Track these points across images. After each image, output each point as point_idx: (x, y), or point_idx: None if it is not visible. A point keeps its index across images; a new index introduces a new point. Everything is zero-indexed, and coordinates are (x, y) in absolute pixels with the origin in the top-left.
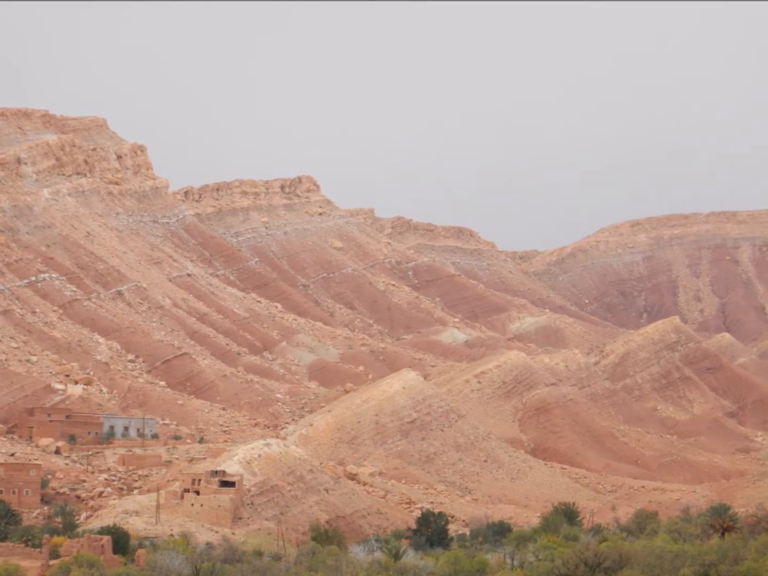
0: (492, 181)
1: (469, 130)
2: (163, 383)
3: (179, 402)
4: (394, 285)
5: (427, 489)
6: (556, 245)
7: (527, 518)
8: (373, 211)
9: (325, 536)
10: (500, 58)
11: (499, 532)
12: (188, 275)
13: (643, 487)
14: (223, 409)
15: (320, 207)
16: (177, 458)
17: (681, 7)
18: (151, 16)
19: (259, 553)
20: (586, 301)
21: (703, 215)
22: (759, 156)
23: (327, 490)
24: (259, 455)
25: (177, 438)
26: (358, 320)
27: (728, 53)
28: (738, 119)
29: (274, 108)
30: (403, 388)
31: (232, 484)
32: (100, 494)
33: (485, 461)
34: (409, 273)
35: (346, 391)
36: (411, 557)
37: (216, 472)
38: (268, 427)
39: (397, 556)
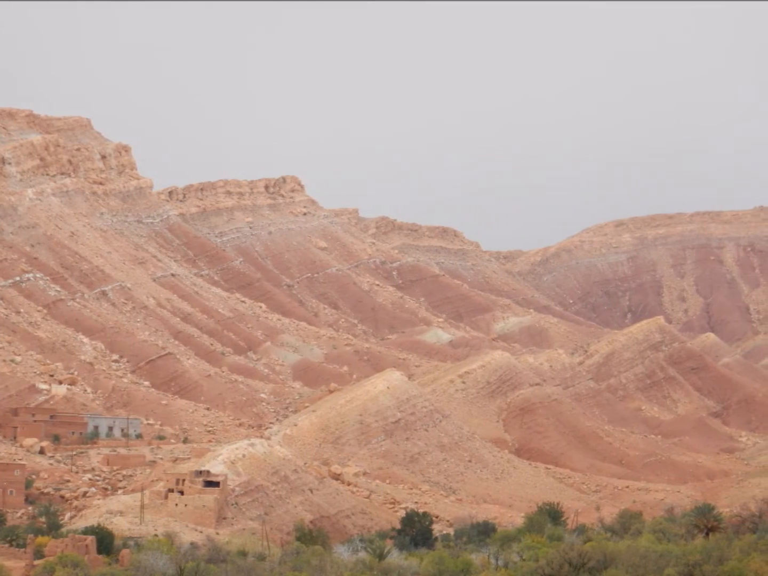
0: (476, 182)
1: (454, 130)
2: (147, 383)
3: (163, 402)
4: (378, 285)
5: (411, 489)
6: (540, 245)
7: (511, 518)
8: (358, 211)
9: (310, 536)
10: (488, 59)
11: (483, 532)
12: (172, 275)
13: (628, 487)
14: (208, 409)
15: (305, 207)
16: (161, 458)
17: (672, 7)
18: (137, 16)
19: (243, 553)
20: (571, 301)
21: (688, 215)
22: (743, 156)
23: (311, 490)
24: (244, 455)
25: (161, 438)
26: (343, 320)
27: (722, 54)
28: (723, 121)
29: (259, 108)
30: (388, 388)
31: (216, 484)
32: (85, 494)
33: (470, 461)
34: (394, 273)
35: (331, 391)
36: (395, 557)
37: (200, 472)
38: (253, 427)
39: (381, 556)
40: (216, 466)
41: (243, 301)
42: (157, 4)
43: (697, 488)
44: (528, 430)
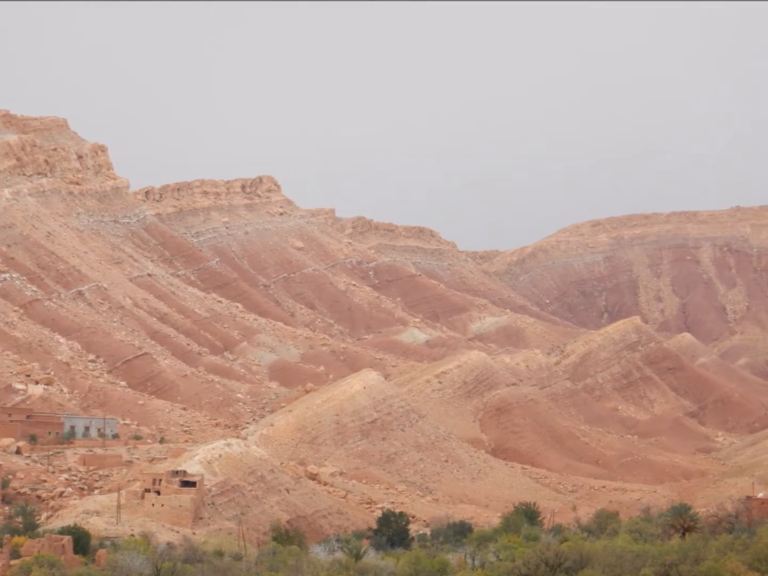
0: (452, 181)
1: (429, 130)
2: (123, 383)
3: (140, 402)
4: (354, 285)
5: (388, 489)
6: (516, 245)
7: (488, 518)
8: (334, 211)
9: (286, 536)
10: (458, 60)
11: (459, 532)
12: (149, 275)
13: (604, 487)
14: (184, 409)
15: (281, 207)
16: (138, 458)
17: (641, 7)
18: (111, 17)
19: (219, 553)
20: (547, 301)
21: (664, 215)
22: (720, 156)
23: (288, 490)
24: (220, 455)
25: (138, 438)
26: (319, 320)
27: (688, 53)
28: (698, 120)
29: (236, 108)
30: (364, 388)
31: (192, 484)
32: (61, 494)
33: (446, 461)
34: (370, 273)
35: (307, 391)
36: (372, 557)
37: (177, 472)
38: (229, 427)
39: (357, 556)
40: (192, 466)
41: (219, 301)
42: (126, 5)
43: (673, 488)
44: (504, 430)
